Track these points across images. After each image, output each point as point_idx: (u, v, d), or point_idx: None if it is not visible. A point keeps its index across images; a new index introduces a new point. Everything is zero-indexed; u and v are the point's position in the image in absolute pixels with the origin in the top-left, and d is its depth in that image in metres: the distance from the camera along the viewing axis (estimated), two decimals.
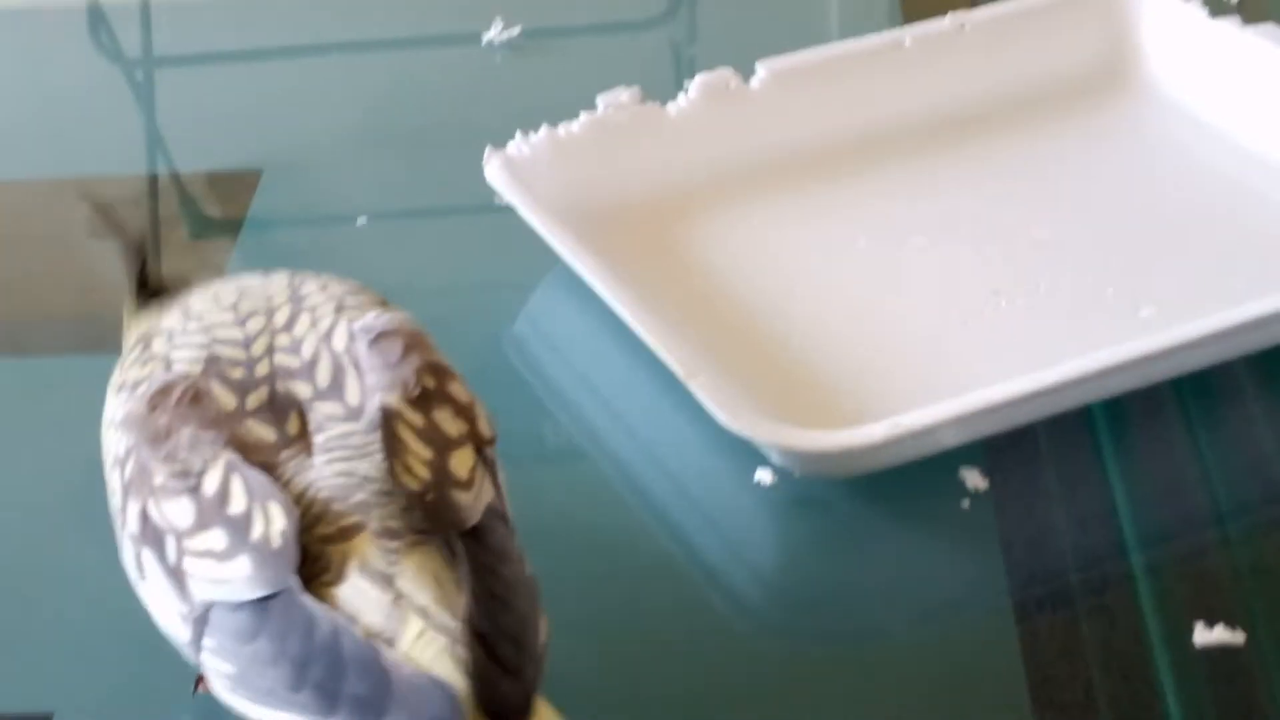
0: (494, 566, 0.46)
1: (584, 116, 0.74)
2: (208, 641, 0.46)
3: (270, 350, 0.50)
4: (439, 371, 0.50)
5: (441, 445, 0.48)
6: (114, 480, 0.50)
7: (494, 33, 0.90)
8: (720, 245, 0.72)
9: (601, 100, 0.75)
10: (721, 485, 0.62)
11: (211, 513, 0.46)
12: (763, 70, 0.77)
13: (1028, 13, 0.81)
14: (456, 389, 0.50)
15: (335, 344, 0.50)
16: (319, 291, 0.52)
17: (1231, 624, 0.55)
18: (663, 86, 0.79)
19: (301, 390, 0.49)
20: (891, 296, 0.68)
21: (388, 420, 0.48)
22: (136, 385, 0.50)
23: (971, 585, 0.58)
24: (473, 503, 0.47)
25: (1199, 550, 0.59)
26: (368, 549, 0.46)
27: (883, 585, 0.58)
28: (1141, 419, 0.63)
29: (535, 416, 0.66)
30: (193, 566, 0.46)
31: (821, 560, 0.60)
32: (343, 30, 0.94)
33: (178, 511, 0.47)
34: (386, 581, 0.45)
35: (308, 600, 0.45)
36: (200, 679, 0.50)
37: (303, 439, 0.48)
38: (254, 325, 0.51)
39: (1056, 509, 0.60)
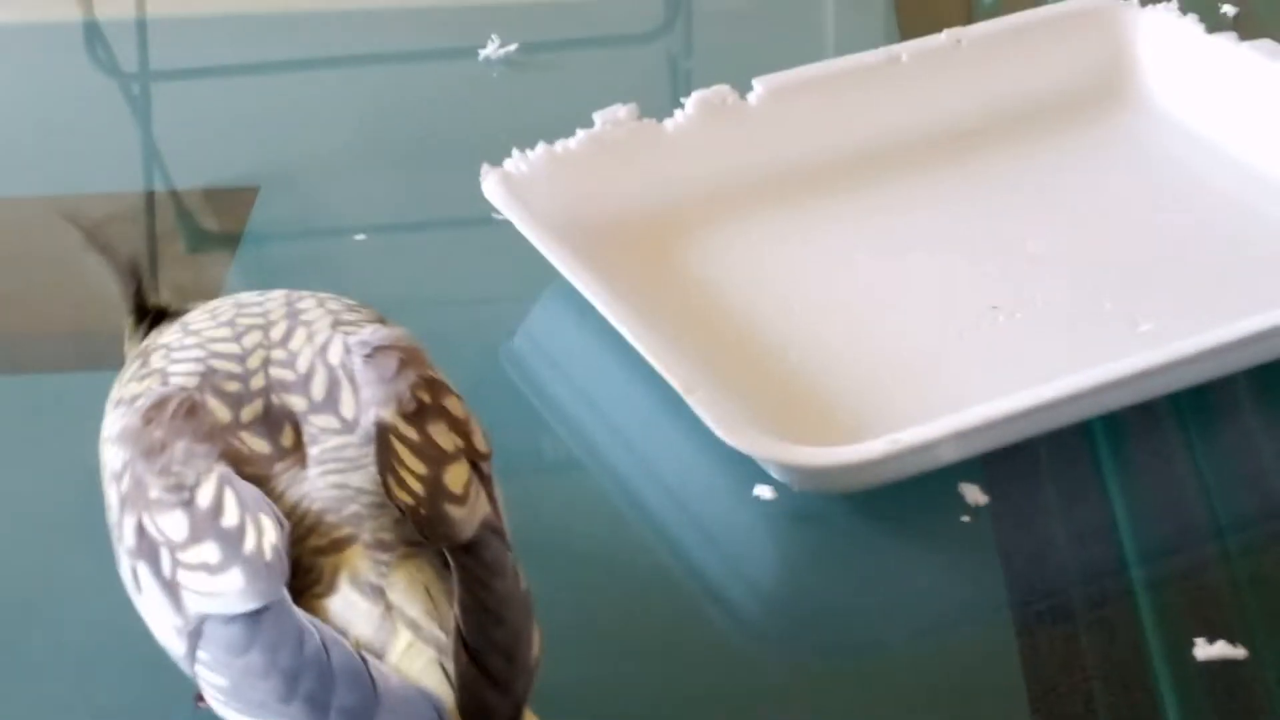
0: (487, 580, 0.46)
1: (581, 133, 0.74)
2: (202, 654, 0.46)
3: (266, 364, 0.50)
4: (434, 386, 0.50)
5: (436, 460, 0.48)
6: (111, 495, 0.50)
7: (491, 49, 0.90)
8: (718, 261, 0.72)
9: (599, 117, 0.75)
10: (720, 500, 0.62)
11: (205, 526, 0.46)
12: (760, 86, 0.77)
13: (1024, 28, 0.81)
14: (452, 404, 0.50)
15: (331, 357, 0.50)
16: (316, 307, 0.52)
17: (1232, 639, 0.55)
18: (659, 102, 0.79)
19: (296, 403, 0.49)
20: (890, 311, 0.68)
21: (382, 434, 0.48)
22: (134, 400, 0.50)
23: (971, 600, 0.58)
24: (467, 517, 0.47)
25: (1199, 565, 0.59)
26: (359, 561, 0.46)
27: (883, 600, 0.58)
28: (1140, 433, 0.63)
29: (533, 431, 0.66)
30: (186, 579, 0.46)
31: (821, 575, 0.60)
32: (341, 46, 0.95)
33: (172, 524, 0.47)
34: (377, 593, 0.45)
35: (298, 613, 0.45)
36: (200, 693, 0.50)
37: (297, 451, 0.48)
38: (250, 340, 0.51)
39: (1056, 524, 0.60)
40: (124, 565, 0.49)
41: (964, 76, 0.79)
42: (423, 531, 0.46)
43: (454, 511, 0.47)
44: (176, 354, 0.51)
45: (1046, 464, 0.62)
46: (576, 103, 0.77)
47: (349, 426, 0.48)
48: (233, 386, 0.49)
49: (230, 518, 0.46)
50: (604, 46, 0.95)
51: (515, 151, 0.73)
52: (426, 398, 0.49)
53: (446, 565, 0.46)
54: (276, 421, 0.48)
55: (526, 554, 0.50)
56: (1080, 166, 0.76)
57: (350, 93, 0.90)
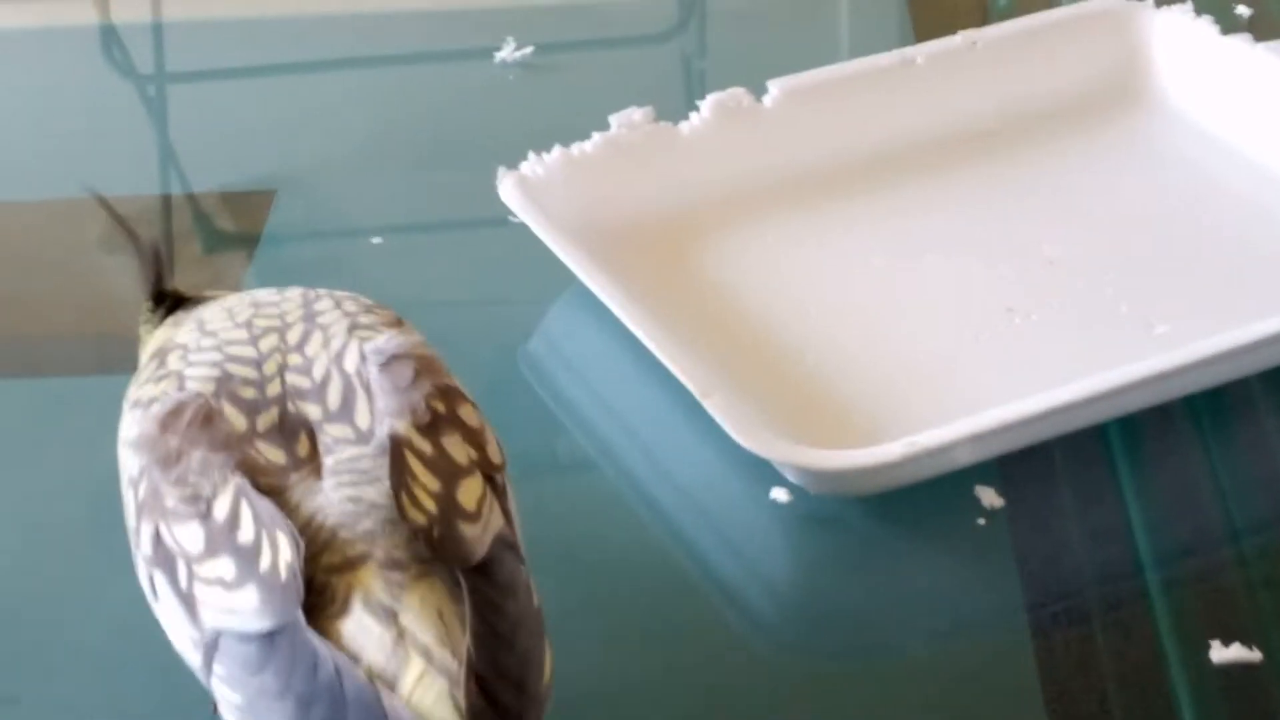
0: (499, 602, 0.46)
1: (597, 136, 0.74)
2: (218, 669, 0.46)
3: (282, 370, 0.50)
4: (449, 395, 0.49)
5: (449, 474, 0.47)
6: (129, 499, 0.49)
7: (506, 52, 0.91)
8: (734, 263, 0.72)
9: (614, 120, 0.75)
10: (737, 503, 0.62)
11: (221, 540, 0.46)
12: (775, 89, 0.77)
13: (1039, 30, 0.81)
14: (467, 413, 0.49)
15: (347, 365, 0.50)
16: (333, 309, 0.52)
17: (1248, 642, 0.55)
18: (674, 104, 0.80)
19: (312, 411, 0.49)
20: (905, 314, 0.69)
21: (395, 448, 0.47)
22: (151, 402, 0.50)
23: (987, 603, 0.58)
24: (480, 535, 0.47)
25: (1215, 567, 0.59)
26: (372, 581, 0.46)
27: (898, 603, 0.58)
28: (1156, 436, 0.63)
29: (550, 434, 0.66)
30: (203, 593, 0.46)
31: (837, 578, 0.60)
32: (356, 49, 0.95)
33: (189, 536, 0.47)
34: (390, 617, 0.45)
35: (312, 637, 0.45)
36: (216, 705, 0.50)
37: (312, 461, 0.48)
38: (267, 344, 0.50)
39: (1072, 526, 0.60)
40: (142, 572, 0.49)
41: (979, 78, 0.79)
42: (436, 553, 0.46)
43: (467, 530, 0.46)
44: (193, 355, 0.51)
45: (1062, 466, 0.62)
46: (592, 105, 0.77)
47: (364, 437, 0.48)
48: (249, 393, 0.49)
49: (246, 533, 0.46)
50: (618, 48, 0.95)
51: (531, 154, 0.73)
52: (441, 407, 0.49)
53: (459, 584, 0.46)
54: (292, 430, 0.48)
55: (543, 558, 0.50)
56: (1095, 168, 0.76)
57: (366, 96, 0.90)
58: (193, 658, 0.47)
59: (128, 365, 0.55)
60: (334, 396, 0.49)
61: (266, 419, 0.48)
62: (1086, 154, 0.77)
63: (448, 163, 0.83)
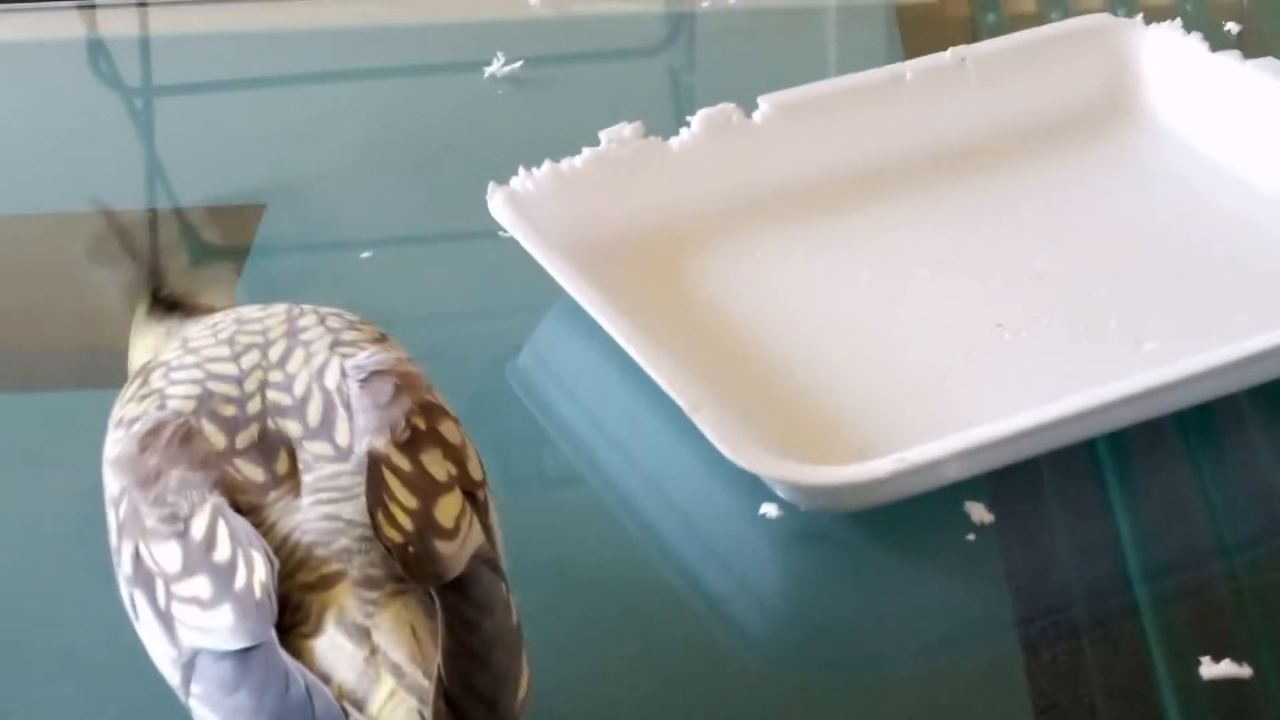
0: (474, 620, 0.46)
1: (587, 151, 0.74)
2: (195, 688, 0.46)
3: (263, 386, 0.50)
4: (430, 411, 0.49)
5: (428, 492, 0.47)
6: (111, 519, 0.50)
7: (496, 66, 0.91)
8: (724, 279, 0.72)
9: (604, 135, 0.75)
10: (726, 519, 0.62)
11: (198, 559, 0.46)
12: (765, 104, 0.77)
13: (1029, 47, 0.81)
14: (448, 429, 0.49)
15: (327, 382, 0.49)
16: (316, 325, 0.52)
17: (1237, 657, 0.55)
18: (664, 119, 0.80)
19: (292, 428, 0.49)
20: (895, 330, 0.69)
21: (373, 466, 0.47)
22: (133, 422, 0.50)
23: (976, 619, 0.58)
24: (456, 552, 0.46)
25: (1204, 583, 0.59)
26: (346, 599, 0.45)
27: (888, 618, 0.58)
28: (1145, 452, 0.63)
29: (538, 449, 0.66)
30: (180, 612, 0.46)
31: (827, 593, 0.60)
32: (346, 63, 0.95)
33: (166, 555, 0.46)
34: (363, 635, 0.45)
35: (284, 655, 0.45)
36: None
37: (291, 478, 0.48)
38: (248, 361, 0.50)
39: (1061, 542, 0.60)
40: (124, 591, 0.49)
41: (969, 95, 0.79)
42: (409, 571, 0.46)
43: (443, 548, 0.46)
44: (175, 374, 0.51)
45: (1051, 482, 0.62)
46: (581, 120, 0.77)
47: (343, 454, 0.48)
48: (229, 410, 0.49)
49: (222, 552, 0.46)
50: (608, 63, 0.95)
51: (521, 169, 0.73)
52: (421, 424, 0.49)
53: (435, 603, 0.46)
54: (272, 447, 0.48)
55: (530, 573, 0.50)
56: (1085, 184, 0.76)
57: (356, 110, 0.90)
58: (172, 676, 0.47)
59: (117, 379, 0.55)
60: (314, 413, 0.49)
61: (246, 436, 0.48)
62: (1076, 170, 0.77)
63: (437, 177, 0.83)
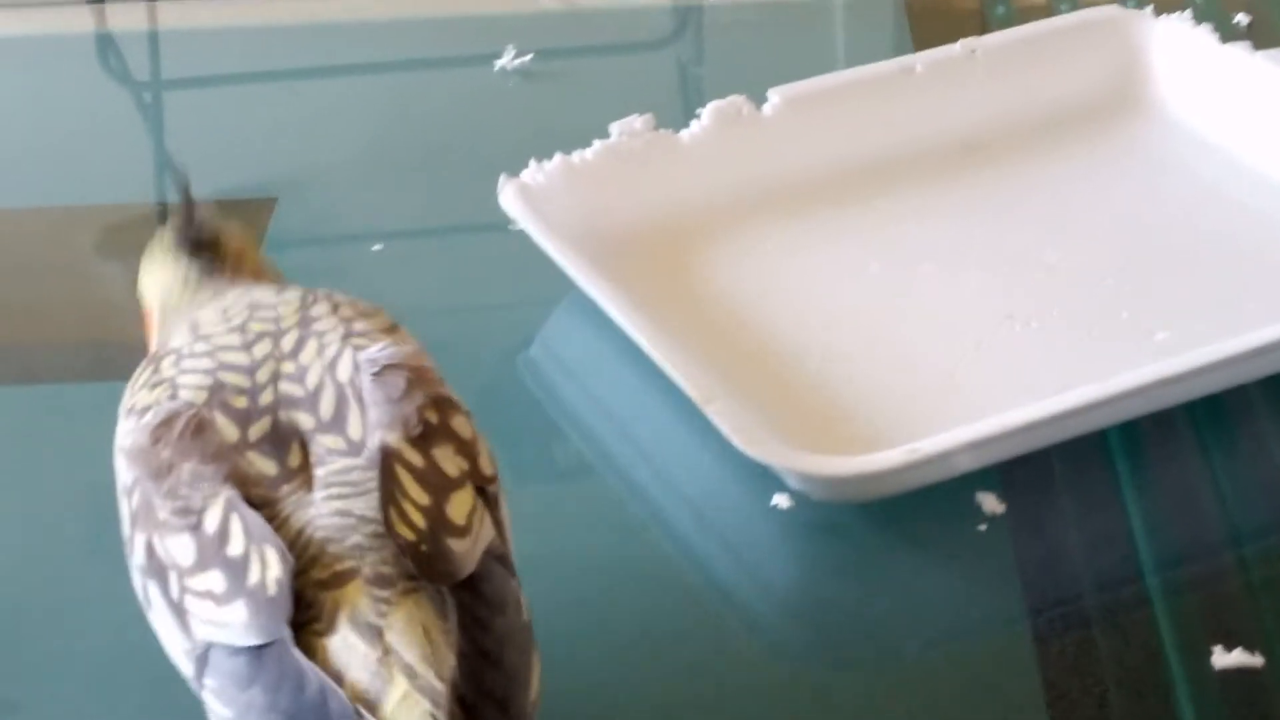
0: (486, 619, 0.45)
1: (598, 144, 0.74)
2: (208, 681, 0.46)
3: (275, 378, 0.49)
4: (442, 406, 0.49)
5: (440, 487, 0.47)
6: (123, 508, 0.49)
7: (506, 59, 0.91)
8: (734, 271, 0.72)
9: (615, 127, 0.75)
10: (738, 510, 0.62)
11: (211, 553, 0.46)
12: (775, 97, 0.77)
13: (1038, 38, 0.81)
14: (460, 424, 0.49)
15: (340, 374, 0.49)
16: (329, 315, 0.51)
17: (1249, 647, 0.55)
18: (675, 111, 0.80)
19: (304, 421, 0.48)
20: (906, 321, 0.69)
21: (386, 461, 0.47)
22: (145, 410, 0.49)
23: (988, 609, 0.58)
24: (469, 550, 0.46)
25: (1215, 573, 0.59)
26: (359, 598, 0.45)
27: (900, 609, 0.58)
28: (1156, 442, 0.64)
29: (550, 441, 0.67)
30: (193, 605, 0.46)
31: (839, 584, 0.60)
32: (356, 56, 0.95)
33: (179, 548, 0.46)
34: (375, 635, 0.45)
35: (298, 654, 0.44)
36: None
37: (304, 472, 0.47)
38: (260, 350, 0.50)
39: (1073, 532, 0.61)
40: (137, 581, 0.49)
41: (978, 87, 0.79)
42: (422, 571, 0.46)
43: (455, 546, 0.46)
44: (186, 362, 0.50)
45: (1063, 473, 0.62)
46: (592, 112, 0.77)
47: (355, 448, 0.48)
48: (241, 402, 0.48)
49: (236, 547, 0.45)
50: (618, 55, 0.95)
51: (532, 162, 0.73)
52: (433, 419, 0.48)
53: (447, 601, 0.46)
54: (284, 440, 0.48)
55: (542, 565, 0.50)
56: (1094, 176, 0.76)
57: (366, 103, 0.90)
58: (185, 668, 0.47)
59: (125, 371, 0.55)
60: (327, 406, 0.48)
61: (258, 428, 0.48)
62: (1086, 162, 0.77)
63: (448, 170, 0.83)
